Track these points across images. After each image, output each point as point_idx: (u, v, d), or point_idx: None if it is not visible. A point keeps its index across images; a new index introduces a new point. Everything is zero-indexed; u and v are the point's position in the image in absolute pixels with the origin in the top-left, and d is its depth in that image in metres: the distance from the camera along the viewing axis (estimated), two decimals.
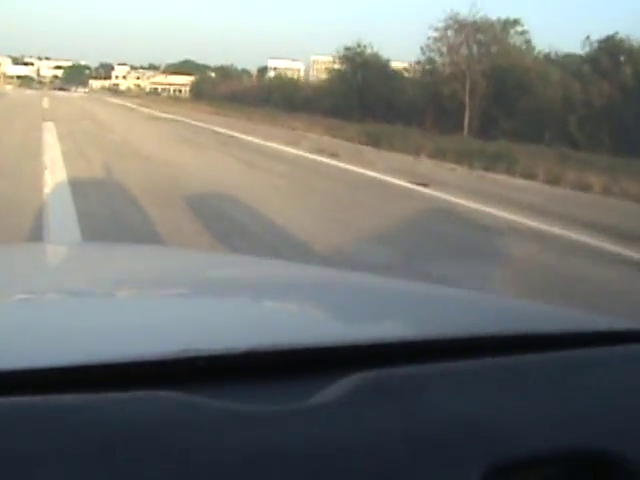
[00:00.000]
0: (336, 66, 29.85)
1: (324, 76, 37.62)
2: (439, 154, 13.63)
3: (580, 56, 20.89)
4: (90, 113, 25.32)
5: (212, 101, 38.67)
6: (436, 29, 22.83)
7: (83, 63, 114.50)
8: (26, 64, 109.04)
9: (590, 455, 0.61)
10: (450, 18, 22.35)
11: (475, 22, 22.15)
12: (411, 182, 9.62)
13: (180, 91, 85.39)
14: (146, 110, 30.51)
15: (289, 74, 46.03)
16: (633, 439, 0.63)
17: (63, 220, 5.56)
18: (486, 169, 11.93)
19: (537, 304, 1.55)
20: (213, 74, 64.97)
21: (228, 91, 42.47)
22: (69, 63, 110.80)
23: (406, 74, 27.54)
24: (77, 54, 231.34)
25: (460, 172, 11.74)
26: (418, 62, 24.73)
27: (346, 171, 10.86)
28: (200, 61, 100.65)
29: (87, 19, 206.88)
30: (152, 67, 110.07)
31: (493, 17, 22.99)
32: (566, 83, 19.30)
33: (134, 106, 35.20)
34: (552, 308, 1.23)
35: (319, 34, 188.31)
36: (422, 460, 0.56)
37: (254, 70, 61.58)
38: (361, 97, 25.35)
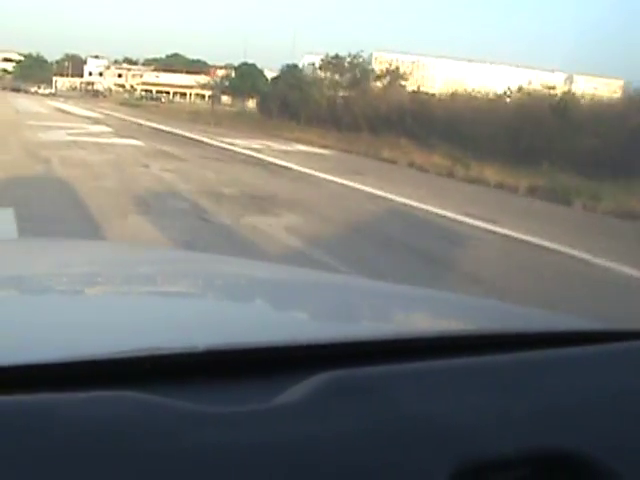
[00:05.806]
0: None
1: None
2: None
3: None
4: None
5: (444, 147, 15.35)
6: None
7: (40, 55, 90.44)
8: None
9: (560, 456, 0.60)
10: None
11: None
12: None
13: (184, 95, 63.57)
14: None
15: None
16: (602, 439, 0.62)
17: None
18: None
19: (509, 305, 1.55)
20: (225, 72, 44.18)
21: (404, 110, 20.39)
22: (22, 56, 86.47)
23: None
24: (31, 44, 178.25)
25: None
26: None
27: None
28: (191, 56, 78.45)
29: (43, 1, 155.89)
30: (128, 61, 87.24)
31: None
32: None
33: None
34: (523, 308, 1.22)
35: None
36: (389, 460, 0.56)
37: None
38: None
